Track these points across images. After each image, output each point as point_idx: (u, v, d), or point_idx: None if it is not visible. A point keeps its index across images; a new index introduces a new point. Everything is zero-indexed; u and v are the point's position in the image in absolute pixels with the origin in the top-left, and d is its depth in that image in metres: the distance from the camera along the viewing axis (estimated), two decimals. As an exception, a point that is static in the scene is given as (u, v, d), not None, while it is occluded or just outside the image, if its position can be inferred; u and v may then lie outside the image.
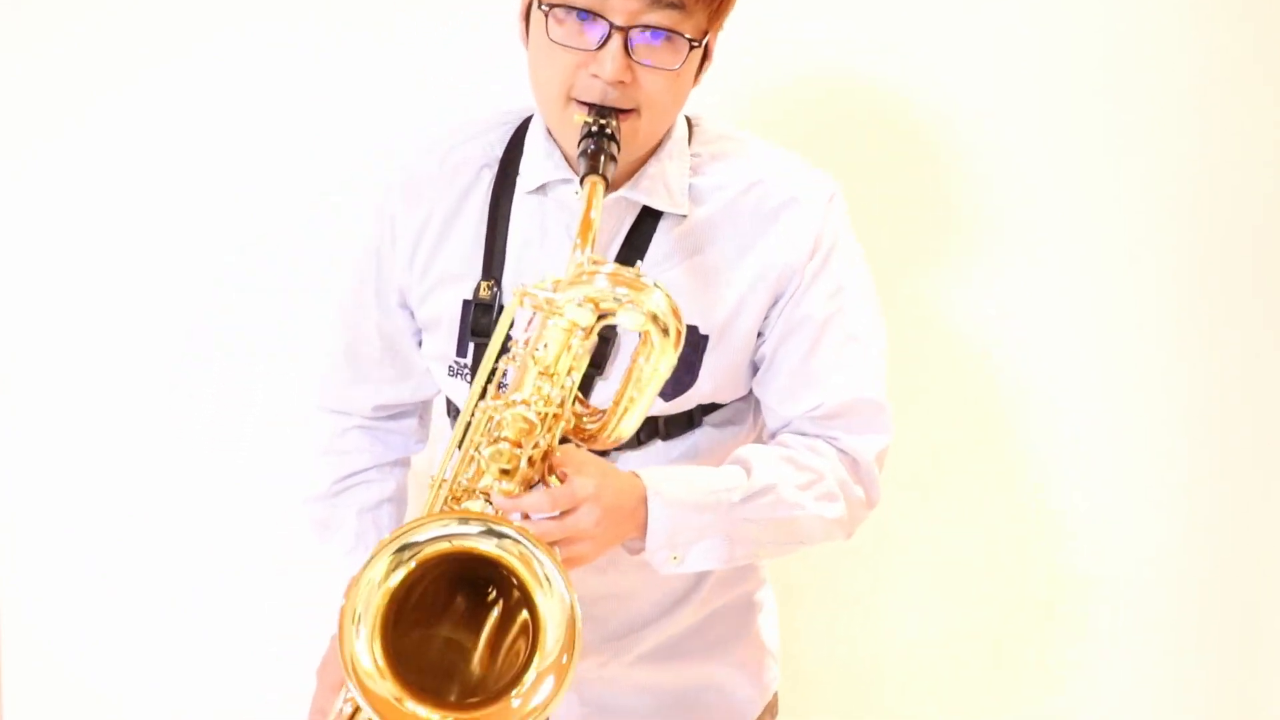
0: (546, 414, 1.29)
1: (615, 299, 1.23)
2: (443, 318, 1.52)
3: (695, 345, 1.45)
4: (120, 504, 2.08)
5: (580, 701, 1.59)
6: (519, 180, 1.49)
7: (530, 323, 1.32)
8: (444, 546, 1.25)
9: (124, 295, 2.05)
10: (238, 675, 2.11)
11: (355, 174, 1.99)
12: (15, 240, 2.03)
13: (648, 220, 1.46)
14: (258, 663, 2.10)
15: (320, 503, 1.66)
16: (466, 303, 1.49)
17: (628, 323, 1.24)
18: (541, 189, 1.47)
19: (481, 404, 1.32)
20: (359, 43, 1.98)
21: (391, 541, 1.25)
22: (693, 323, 1.45)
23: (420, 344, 1.59)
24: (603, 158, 1.31)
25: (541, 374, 1.28)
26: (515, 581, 1.26)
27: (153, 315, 2.05)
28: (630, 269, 1.26)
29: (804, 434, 1.50)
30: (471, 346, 1.49)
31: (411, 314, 1.57)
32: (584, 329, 1.26)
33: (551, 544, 1.29)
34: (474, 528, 1.25)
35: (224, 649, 2.10)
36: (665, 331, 1.24)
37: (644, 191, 1.44)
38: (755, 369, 1.52)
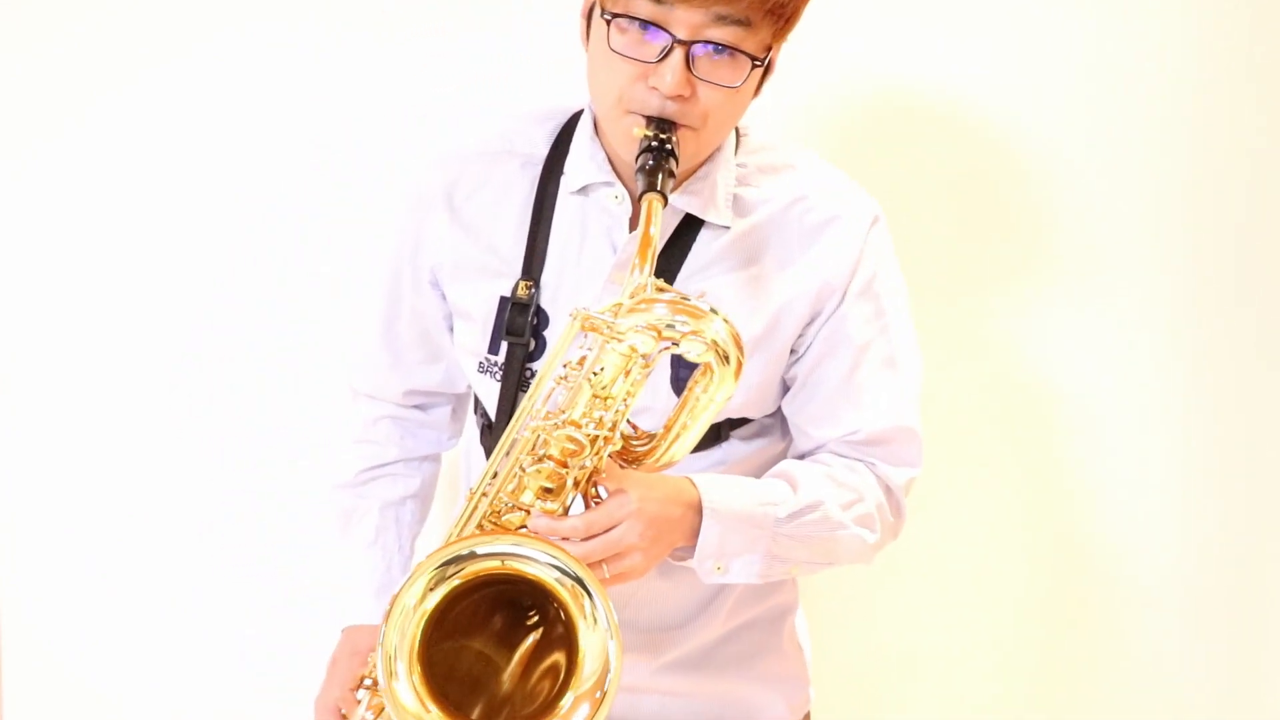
0: (597, 436, 1.29)
1: (678, 327, 1.23)
2: (475, 310, 1.51)
3: None
4: (121, 504, 2.07)
5: None
6: (563, 180, 1.48)
7: (585, 341, 1.31)
8: (494, 565, 1.26)
9: (123, 296, 2.03)
10: (238, 675, 2.10)
11: (357, 173, 2.00)
12: (15, 240, 2.02)
13: (689, 229, 1.45)
14: (258, 663, 2.09)
15: (346, 491, 1.66)
16: (503, 300, 1.49)
17: (690, 352, 1.24)
18: (584, 190, 1.46)
19: (531, 422, 1.32)
20: (361, 42, 1.97)
21: (440, 553, 1.26)
22: None
23: (452, 330, 1.58)
24: (661, 175, 1.30)
25: (595, 396, 1.28)
26: (561, 614, 1.27)
27: (153, 316, 2.04)
28: (690, 294, 1.25)
29: (839, 454, 1.49)
30: (504, 345, 1.49)
31: (443, 295, 1.56)
32: (644, 356, 1.25)
33: (598, 563, 1.30)
34: (532, 552, 1.26)
35: (224, 649, 2.09)
36: (725, 359, 1.24)
37: (689, 200, 1.43)
38: (786, 387, 1.52)
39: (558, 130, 1.51)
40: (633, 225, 1.45)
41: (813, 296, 1.46)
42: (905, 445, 1.50)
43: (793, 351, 1.49)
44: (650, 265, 1.26)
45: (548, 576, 1.25)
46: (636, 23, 1.31)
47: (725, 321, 1.24)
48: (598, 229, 1.47)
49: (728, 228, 1.46)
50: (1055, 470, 2.10)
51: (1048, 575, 2.12)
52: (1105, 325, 2.05)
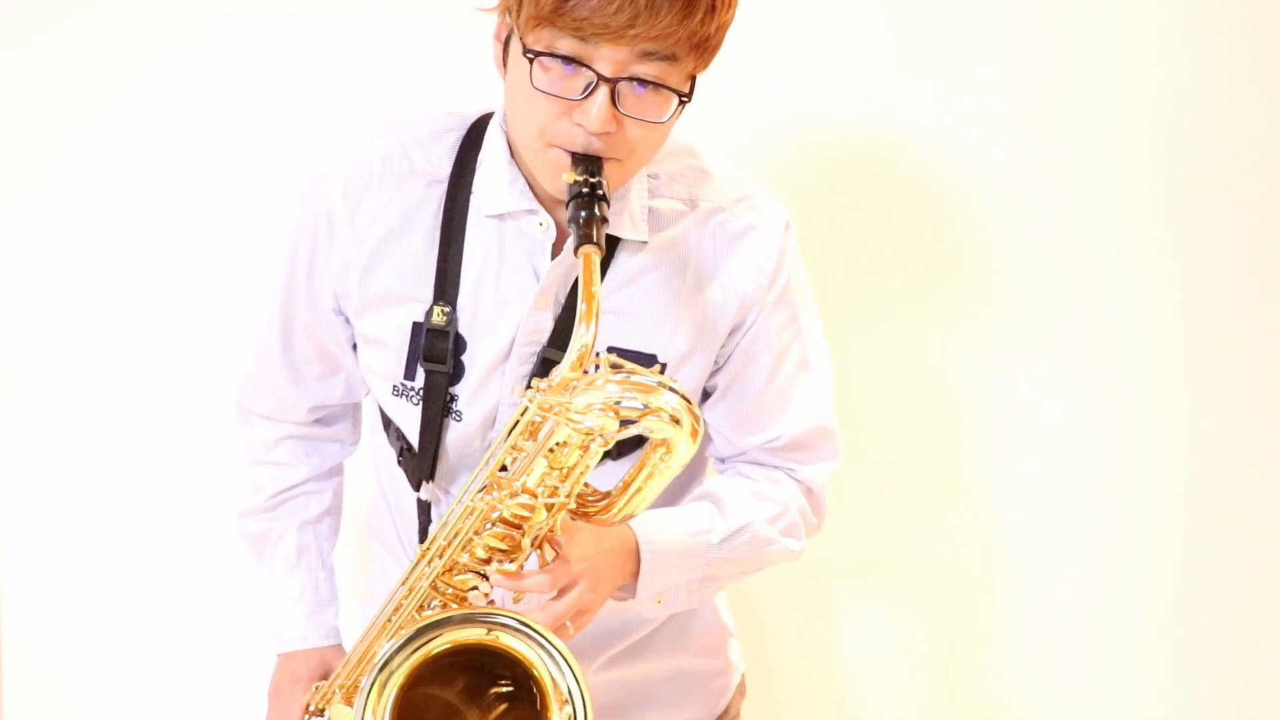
0: (553, 504, 1.30)
1: (638, 408, 1.22)
2: (387, 337, 1.47)
3: None
4: (120, 507, 2.08)
5: None
6: (474, 201, 1.43)
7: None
8: (481, 636, 1.29)
9: (122, 296, 2.04)
10: (238, 676, 2.10)
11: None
12: (15, 240, 2.02)
13: (608, 246, 1.41)
14: (258, 664, 2.06)
15: (256, 516, 1.64)
16: (417, 325, 1.45)
17: (650, 431, 1.24)
18: (502, 216, 1.43)
19: (484, 496, 1.32)
20: (364, 37, 1.98)
21: (424, 629, 1.28)
22: (650, 350, 1.45)
23: (354, 349, 1.54)
24: (595, 225, 1.27)
25: (553, 468, 1.28)
26: (535, 691, 1.30)
27: (152, 316, 2.05)
28: (638, 367, 1.24)
29: (759, 464, 1.53)
30: (420, 372, 1.45)
31: (346, 319, 1.51)
32: (605, 438, 1.25)
33: (561, 625, 1.32)
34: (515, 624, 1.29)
35: (224, 650, 2.11)
36: (678, 423, 1.23)
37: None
38: (706, 395, 1.52)
39: (458, 144, 1.45)
40: (555, 251, 1.43)
41: (735, 309, 1.46)
42: (824, 443, 1.54)
43: (715, 362, 1.50)
44: (595, 323, 1.24)
45: (529, 653, 1.28)
46: (560, 60, 1.27)
47: (677, 394, 1.23)
48: (516, 253, 1.43)
49: (645, 242, 1.44)
50: (1053, 474, 2.15)
51: (1045, 578, 2.17)
52: (1106, 329, 2.10)
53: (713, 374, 1.51)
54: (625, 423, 1.24)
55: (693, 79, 1.33)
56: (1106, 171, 2.07)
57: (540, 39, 1.28)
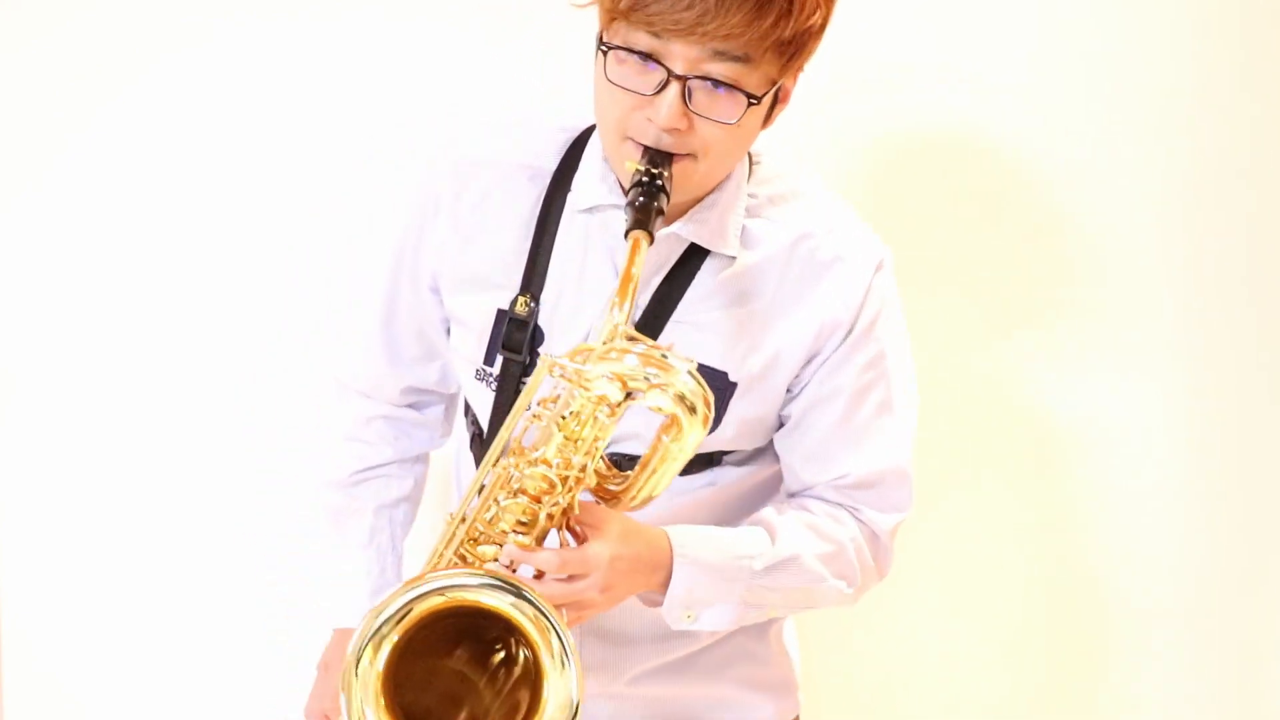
0: (568, 476, 1.31)
1: (645, 379, 1.22)
2: (473, 320, 1.49)
3: (722, 391, 1.43)
4: (120, 507, 2.08)
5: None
6: (570, 197, 1.45)
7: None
8: (469, 599, 1.29)
9: (122, 296, 2.05)
10: (238, 676, 2.11)
11: (356, 171, 1.99)
12: (15, 240, 2.03)
13: (694, 257, 1.43)
14: (257, 664, 2.10)
15: (338, 490, 1.64)
16: (501, 312, 1.47)
17: (656, 403, 1.23)
18: (591, 210, 1.44)
19: (503, 461, 1.34)
20: (363, 36, 1.99)
21: (415, 584, 1.29)
22: (723, 368, 1.44)
23: (448, 332, 1.56)
24: (650, 212, 1.28)
25: (567, 439, 1.30)
26: (530, 654, 1.30)
27: (152, 316, 2.05)
28: (662, 346, 1.25)
29: (825, 500, 1.49)
30: (500, 359, 1.47)
31: (440, 300, 1.53)
32: (610, 405, 1.26)
33: (558, 606, 1.32)
34: (507, 591, 1.28)
35: (224, 651, 2.10)
36: (693, 411, 1.23)
37: (694, 229, 1.41)
38: (780, 423, 1.51)
39: (569, 144, 1.48)
40: None
41: (812, 337, 1.44)
42: (895, 488, 1.50)
43: (788, 390, 1.48)
44: (630, 304, 1.26)
45: (517, 614, 1.28)
46: (634, 54, 1.29)
47: (691, 375, 1.23)
48: (600, 249, 1.45)
49: (734, 259, 1.44)
50: (1056, 482, 2.13)
51: (1048, 586, 2.15)
52: (1108, 339, 2.09)
53: (787, 403, 1.49)
54: (630, 394, 1.25)
55: (774, 84, 1.33)
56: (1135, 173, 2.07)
57: (616, 33, 1.31)
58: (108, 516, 2.09)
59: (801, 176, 1.50)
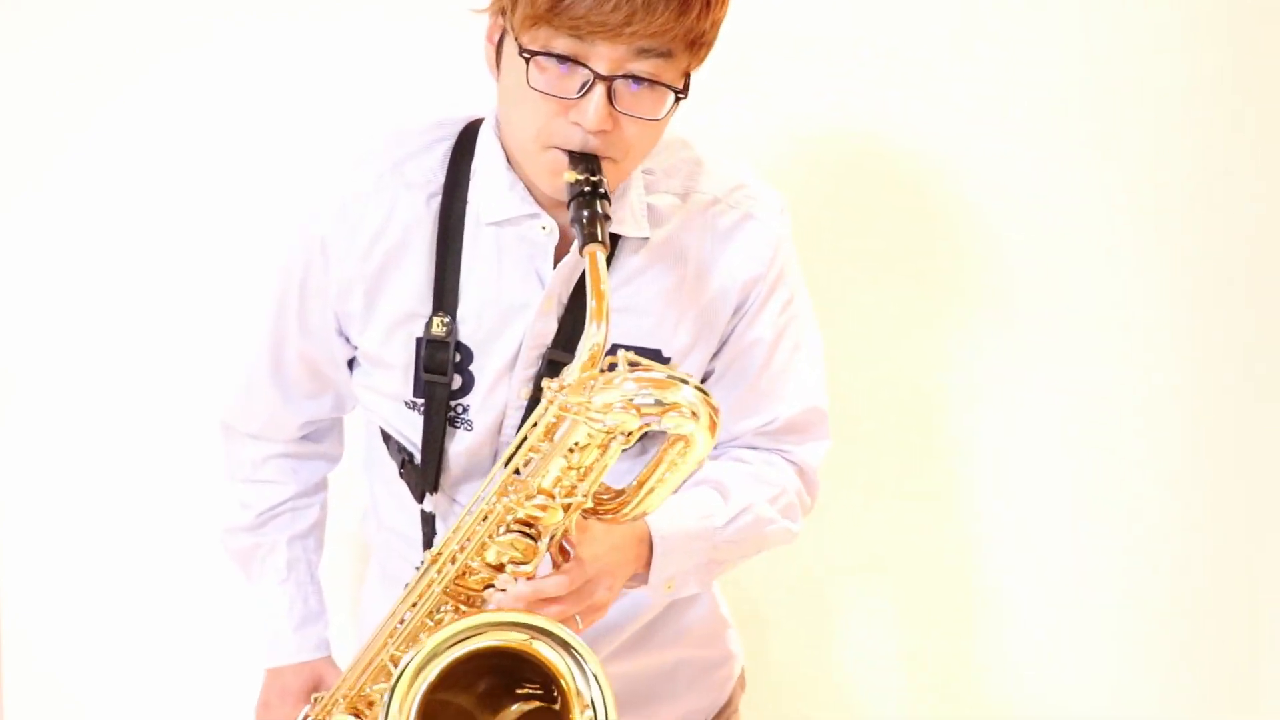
0: (570, 503, 1.31)
1: (656, 405, 1.22)
2: (395, 359, 1.46)
3: None
4: (120, 507, 2.07)
5: None
6: (471, 209, 1.43)
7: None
8: (521, 640, 1.29)
9: (122, 297, 2.03)
10: (238, 676, 2.02)
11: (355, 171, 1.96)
12: (15, 240, 2.01)
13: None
14: (257, 665, 2.08)
15: (246, 534, 1.65)
16: (419, 340, 1.45)
17: (674, 427, 1.23)
18: (502, 223, 1.42)
19: (500, 499, 1.32)
20: (363, 36, 1.97)
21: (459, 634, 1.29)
22: (654, 346, 1.46)
23: (350, 366, 1.53)
24: (599, 223, 1.27)
25: (570, 468, 1.29)
26: (557, 695, 1.30)
27: (152, 316, 2.04)
28: (649, 362, 1.25)
29: (754, 448, 1.54)
30: (422, 384, 1.46)
31: (347, 340, 1.50)
32: (626, 435, 1.25)
33: (570, 618, 1.32)
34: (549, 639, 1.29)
35: (224, 650, 2.09)
36: (708, 425, 1.24)
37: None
38: (702, 380, 1.52)
39: (449, 154, 1.45)
40: (559, 255, 1.42)
41: (734, 299, 1.48)
42: (817, 425, 1.55)
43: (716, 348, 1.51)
44: (606, 322, 1.25)
45: (554, 659, 1.29)
46: (555, 59, 1.28)
47: (694, 387, 1.23)
48: (516, 259, 1.43)
49: (646, 239, 1.45)
50: (1050, 474, 2.15)
51: (1046, 578, 2.17)
52: (1108, 328, 2.11)
53: (711, 358, 1.52)
54: (647, 421, 1.24)
55: (687, 76, 1.34)
56: (1101, 170, 2.08)
57: (536, 38, 1.28)
58: (108, 517, 2.08)
59: (690, 144, 1.51)
